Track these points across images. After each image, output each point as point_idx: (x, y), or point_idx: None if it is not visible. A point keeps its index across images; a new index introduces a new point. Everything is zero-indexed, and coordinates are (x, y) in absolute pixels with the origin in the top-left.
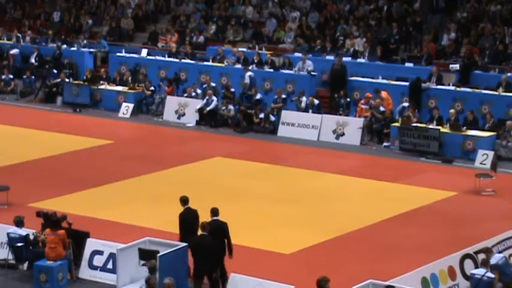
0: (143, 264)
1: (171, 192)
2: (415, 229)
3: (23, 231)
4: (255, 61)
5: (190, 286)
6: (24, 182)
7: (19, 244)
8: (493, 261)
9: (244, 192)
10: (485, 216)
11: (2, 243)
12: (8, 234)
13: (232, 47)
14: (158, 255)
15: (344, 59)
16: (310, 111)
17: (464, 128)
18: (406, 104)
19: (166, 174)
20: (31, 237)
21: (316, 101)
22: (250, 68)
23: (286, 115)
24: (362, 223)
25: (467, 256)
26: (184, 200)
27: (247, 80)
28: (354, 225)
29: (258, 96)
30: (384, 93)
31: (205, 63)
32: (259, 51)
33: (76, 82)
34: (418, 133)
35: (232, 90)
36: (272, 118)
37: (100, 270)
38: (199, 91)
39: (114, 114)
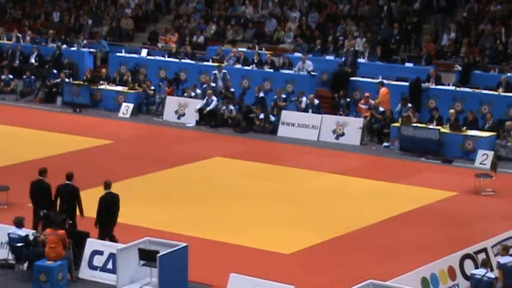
0: (143, 265)
1: (171, 192)
2: (415, 229)
3: (22, 232)
4: (255, 61)
5: (191, 286)
6: (24, 182)
7: (19, 244)
8: (502, 260)
9: (244, 192)
10: (485, 216)
11: (2, 243)
12: (8, 234)
13: (232, 47)
14: (158, 255)
15: (344, 59)
16: (310, 110)
17: (464, 128)
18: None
19: (166, 174)
20: (31, 237)
21: (316, 101)
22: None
23: (286, 115)
24: (362, 223)
25: (467, 256)
26: (107, 185)
27: (223, 80)
28: (354, 225)
29: (261, 94)
30: (382, 90)
31: (205, 63)
32: (259, 51)
33: (76, 82)
34: (418, 133)
35: (232, 90)
36: (272, 118)
37: (100, 271)
38: (198, 91)
39: (114, 114)
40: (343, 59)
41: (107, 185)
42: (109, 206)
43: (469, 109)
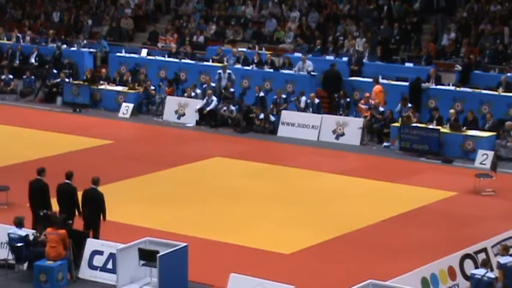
0: (143, 264)
1: (171, 192)
2: (415, 229)
3: (22, 232)
4: (255, 61)
5: (191, 286)
6: (24, 182)
7: (19, 244)
8: (502, 260)
9: (244, 192)
10: (485, 216)
11: (2, 243)
12: (8, 234)
13: (232, 47)
14: (158, 255)
15: (344, 59)
16: (311, 109)
17: (464, 128)
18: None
19: (166, 174)
20: (31, 237)
21: (317, 100)
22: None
23: (286, 115)
24: (362, 223)
25: (467, 256)
26: (94, 181)
27: (228, 80)
28: (354, 225)
29: (261, 94)
30: (376, 87)
31: (205, 63)
32: (259, 51)
33: (76, 82)
34: (418, 133)
35: (232, 90)
36: (272, 118)
37: (100, 270)
38: (198, 91)
39: (114, 114)
40: (347, 58)
41: (94, 181)
42: (90, 201)
43: (469, 109)
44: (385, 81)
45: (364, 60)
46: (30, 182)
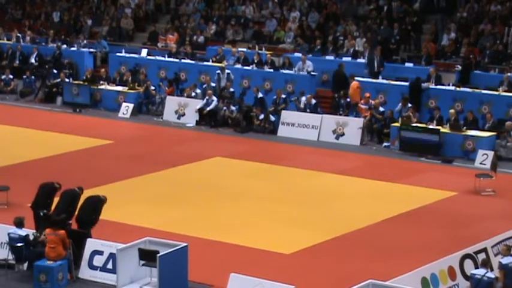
0: (143, 265)
1: (171, 192)
2: (415, 229)
3: (22, 232)
4: (255, 61)
5: (191, 286)
6: (24, 182)
7: (19, 244)
8: (504, 260)
9: (244, 192)
10: (485, 216)
11: (2, 243)
12: (8, 234)
13: (232, 47)
14: (158, 255)
15: (344, 59)
16: (308, 110)
17: (464, 128)
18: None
19: (166, 174)
20: (31, 237)
21: (314, 101)
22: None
23: (286, 115)
24: (362, 223)
25: (467, 256)
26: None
27: (227, 80)
28: (354, 225)
29: (260, 95)
30: (353, 84)
31: (205, 63)
32: (259, 51)
33: (76, 82)
34: (418, 133)
35: (232, 90)
36: (272, 118)
37: (100, 270)
38: (198, 91)
39: (114, 114)
40: (367, 61)
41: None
42: (91, 204)
43: (469, 109)
44: (385, 81)
45: (360, 60)
46: (41, 184)
